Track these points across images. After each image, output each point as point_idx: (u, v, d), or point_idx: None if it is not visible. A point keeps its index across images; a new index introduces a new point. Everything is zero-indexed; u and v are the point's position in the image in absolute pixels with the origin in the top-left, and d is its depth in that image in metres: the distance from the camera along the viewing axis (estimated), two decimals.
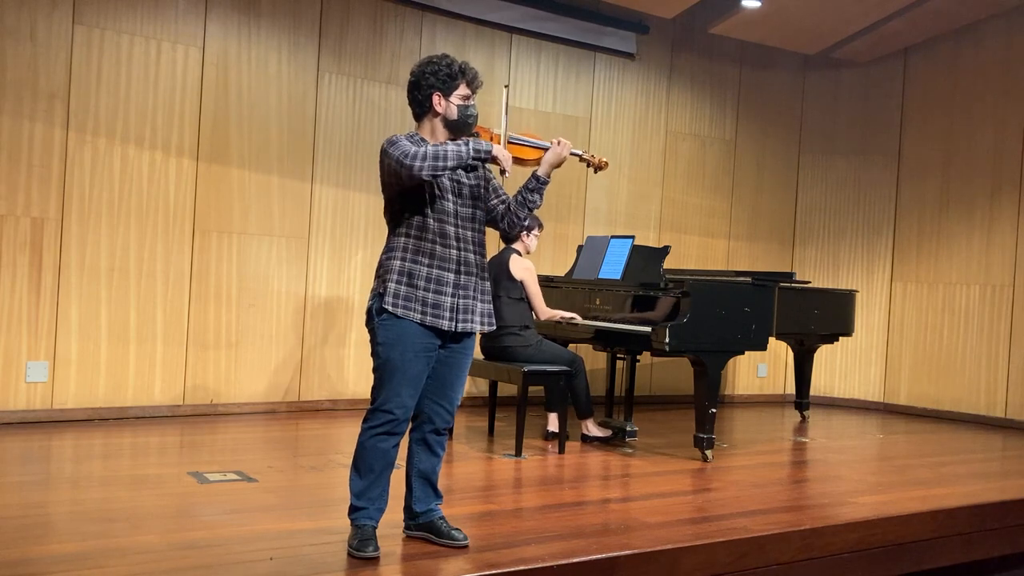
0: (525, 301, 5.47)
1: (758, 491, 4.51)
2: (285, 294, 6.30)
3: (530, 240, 5.67)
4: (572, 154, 3.40)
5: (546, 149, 3.34)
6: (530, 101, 7.24)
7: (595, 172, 3.64)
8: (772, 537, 3.64)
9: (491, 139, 3.35)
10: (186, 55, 5.92)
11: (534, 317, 5.56)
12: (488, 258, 3.53)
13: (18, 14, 5.37)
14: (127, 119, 5.73)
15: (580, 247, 6.37)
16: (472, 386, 7.01)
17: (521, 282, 5.45)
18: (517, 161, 3.35)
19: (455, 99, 3.22)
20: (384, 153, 3.14)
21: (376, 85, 6.59)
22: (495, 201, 3.35)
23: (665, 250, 5.69)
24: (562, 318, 5.61)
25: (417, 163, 3.04)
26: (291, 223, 6.31)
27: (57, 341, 5.53)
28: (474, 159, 3.13)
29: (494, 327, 3.35)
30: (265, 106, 6.20)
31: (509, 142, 3.33)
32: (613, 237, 5.96)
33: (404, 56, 6.68)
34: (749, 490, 4.53)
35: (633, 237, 5.80)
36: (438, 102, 3.22)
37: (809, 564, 3.72)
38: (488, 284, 3.34)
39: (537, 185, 3.29)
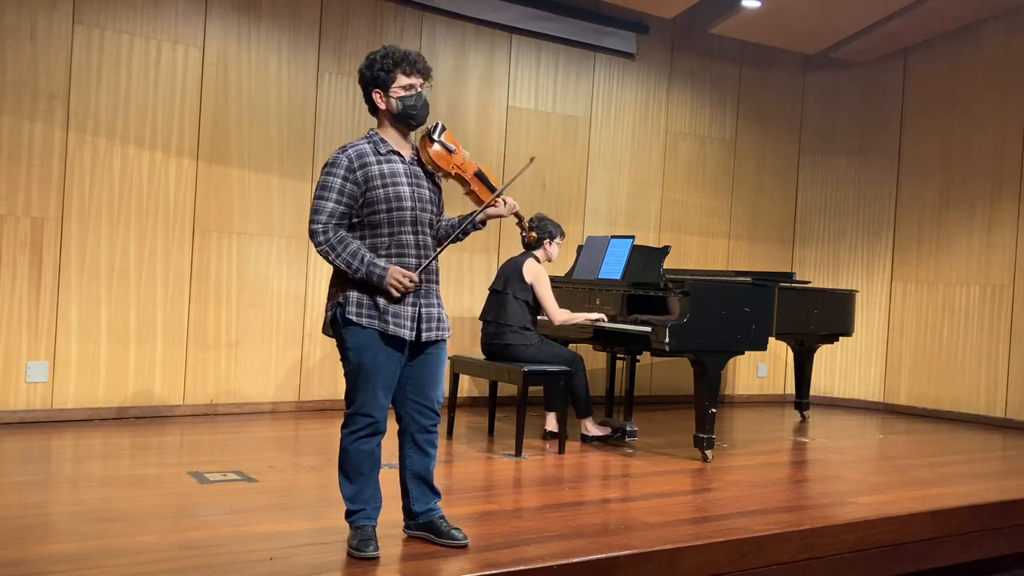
0: (530, 303, 5.46)
1: (758, 491, 4.51)
2: (285, 294, 6.30)
3: (552, 248, 5.65)
4: (514, 215, 3.42)
5: (493, 190, 3.34)
6: (530, 101, 7.24)
7: (523, 240, 3.71)
8: (772, 537, 3.64)
9: (463, 163, 3.29)
10: (186, 55, 5.92)
11: (549, 321, 5.53)
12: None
13: (18, 14, 5.37)
14: (127, 119, 5.73)
15: (580, 247, 6.37)
16: (472, 386, 7.01)
17: (531, 285, 5.44)
18: (471, 194, 3.34)
19: (395, 92, 3.15)
20: (325, 170, 3.11)
21: None
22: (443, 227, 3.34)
23: (665, 250, 5.69)
24: (587, 320, 5.54)
25: (318, 239, 3.07)
26: (291, 223, 6.31)
27: (57, 341, 5.53)
28: (359, 280, 3.09)
29: (449, 334, 3.33)
30: (265, 106, 6.20)
31: (478, 177, 3.33)
32: (613, 237, 5.96)
33: None
34: (749, 490, 4.53)
35: (633, 237, 5.80)
36: (379, 99, 3.18)
37: (809, 564, 3.72)
38: (438, 287, 3.31)
39: (472, 229, 3.32)
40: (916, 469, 5.39)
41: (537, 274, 5.47)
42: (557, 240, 5.68)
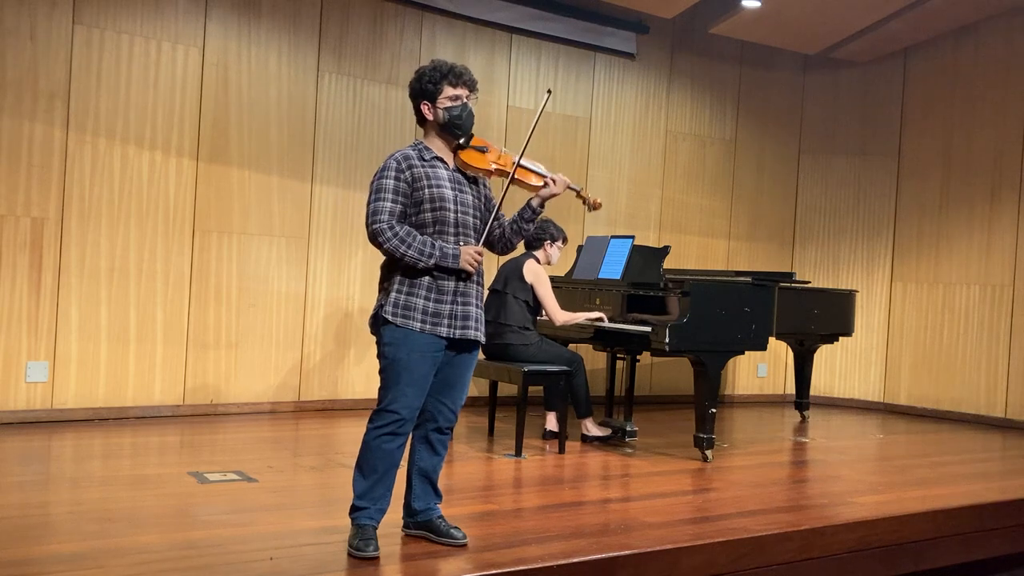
0: (529, 304, 5.46)
1: (758, 491, 4.51)
2: (285, 294, 6.30)
3: (552, 250, 5.67)
4: (570, 189, 3.45)
5: (547, 178, 3.38)
6: (530, 101, 7.23)
7: (589, 211, 3.66)
8: (772, 537, 3.64)
9: (499, 157, 3.37)
10: (186, 55, 5.92)
11: (550, 321, 5.53)
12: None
13: (18, 14, 5.37)
14: (127, 119, 5.73)
15: (580, 247, 6.37)
16: (472, 386, 6.98)
17: (531, 285, 5.44)
18: (519, 182, 3.38)
19: (442, 103, 3.25)
20: (378, 175, 3.22)
21: (376, 85, 6.60)
22: (494, 224, 3.37)
23: (665, 250, 5.69)
24: (587, 320, 5.55)
25: (385, 235, 3.12)
26: (291, 223, 6.31)
27: (57, 341, 5.53)
28: (433, 265, 3.16)
29: (484, 338, 3.38)
30: (265, 106, 6.20)
31: (520, 165, 3.37)
32: (613, 237, 5.96)
33: (404, 56, 6.68)
34: (749, 490, 4.53)
35: (633, 237, 5.80)
36: (427, 110, 3.29)
37: (809, 564, 3.72)
38: (483, 290, 3.38)
39: (532, 215, 3.36)
40: (916, 469, 5.38)
41: (537, 274, 5.48)
42: (558, 243, 5.69)
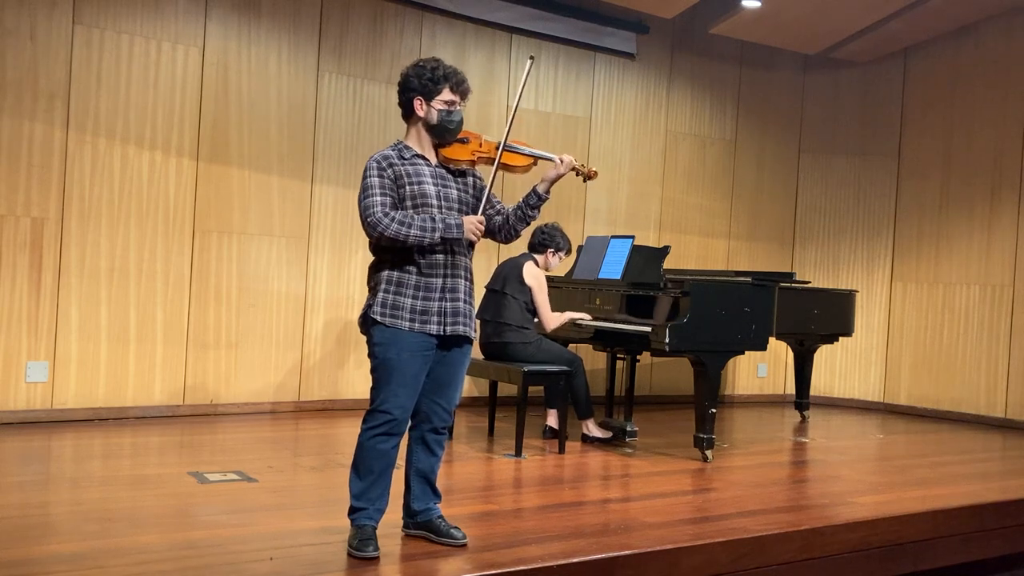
0: (528, 304, 5.46)
1: (758, 491, 4.51)
2: (285, 294, 6.30)
3: (553, 259, 5.68)
4: (573, 170, 3.42)
5: (536, 157, 3.34)
6: (530, 101, 7.23)
7: (584, 181, 3.61)
8: (772, 537, 3.64)
9: (480, 145, 3.35)
10: (186, 55, 5.92)
11: (540, 325, 5.54)
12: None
13: (18, 14, 5.37)
14: (127, 119, 5.73)
15: (580, 247, 6.37)
16: (472, 386, 7.01)
17: (530, 288, 5.44)
18: (506, 167, 3.35)
19: (437, 104, 3.24)
20: (362, 178, 3.21)
21: (376, 85, 6.59)
22: (491, 212, 3.36)
23: (665, 250, 5.69)
24: (571, 320, 5.57)
25: (383, 223, 3.10)
26: (291, 223, 6.31)
27: (57, 341, 5.53)
28: (440, 240, 3.15)
29: (475, 333, 3.37)
30: (265, 106, 6.19)
31: (505, 149, 3.33)
32: (613, 237, 5.96)
33: (404, 56, 6.67)
34: (749, 490, 4.53)
35: (633, 237, 5.80)
36: (419, 106, 3.26)
37: (809, 564, 3.72)
38: (472, 286, 3.35)
39: (538, 201, 3.32)
40: (916, 469, 5.39)
41: (537, 278, 5.48)
42: (561, 254, 5.70)
